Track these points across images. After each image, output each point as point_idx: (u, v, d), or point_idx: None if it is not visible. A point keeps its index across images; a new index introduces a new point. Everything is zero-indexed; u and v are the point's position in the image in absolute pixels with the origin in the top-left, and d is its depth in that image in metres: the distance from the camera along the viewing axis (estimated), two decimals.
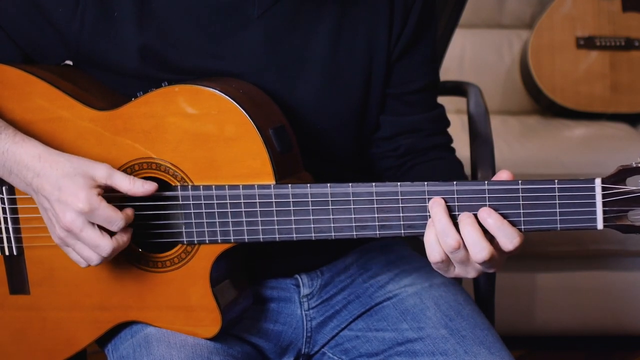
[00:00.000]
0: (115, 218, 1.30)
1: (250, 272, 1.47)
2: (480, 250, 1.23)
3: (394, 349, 1.48)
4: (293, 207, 1.30)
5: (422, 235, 1.27)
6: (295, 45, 1.41)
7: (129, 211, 1.33)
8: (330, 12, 1.42)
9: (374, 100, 1.47)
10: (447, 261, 1.26)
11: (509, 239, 1.24)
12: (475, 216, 1.24)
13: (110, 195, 1.32)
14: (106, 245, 1.31)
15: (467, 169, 1.96)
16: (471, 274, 1.28)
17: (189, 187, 1.33)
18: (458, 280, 1.80)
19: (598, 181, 1.20)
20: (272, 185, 1.30)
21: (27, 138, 1.35)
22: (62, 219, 1.30)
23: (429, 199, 1.25)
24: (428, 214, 1.26)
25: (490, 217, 1.24)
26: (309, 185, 1.29)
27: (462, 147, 2.56)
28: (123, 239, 1.32)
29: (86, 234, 1.30)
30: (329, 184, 1.28)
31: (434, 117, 1.53)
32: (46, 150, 1.33)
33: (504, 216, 1.24)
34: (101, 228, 1.31)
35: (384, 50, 1.44)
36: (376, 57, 1.44)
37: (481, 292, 1.94)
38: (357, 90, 1.45)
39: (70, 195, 1.29)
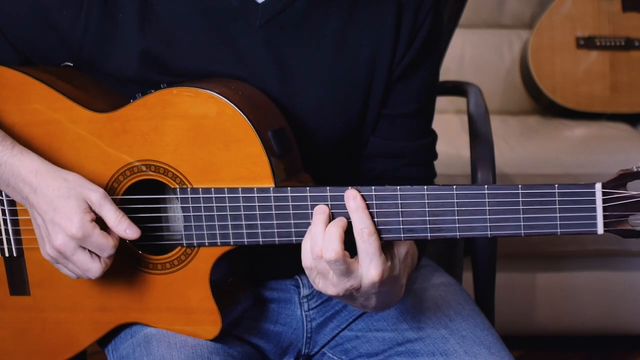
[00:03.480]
0: (107, 246, 1.30)
1: (250, 274, 1.47)
2: (329, 251, 1.24)
3: (394, 349, 1.48)
4: (292, 210, 1.30)
5: (423, 239, 1.27)
6: (296, 56, 1.40)
7: (116, 238, 1.33)
8: (334, 27, 1.41)
9: (369, 117, 1.46)
10: (314, 269, 1.28)
11: (362, 225, 1.25)
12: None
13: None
14: (96, 269, 1.32)
15: (467, 169, 1.96)
16: (330, 290, 1.28)
17: (188, 189, 1.33)
18: (458, 280, 1.80)
19: (598, 186, 1.20)
20: (271, 188, 1.30)
21: (26, 151, 1.34)
22: (54, 240, 1.30)
23: (429, 202, 1.25)
24: (427, 218, 1.26)
25: (352, 200, 1.26)
26: (308, 188, 1.29)
27: (462, 147, 2.57)
28: (110, 260, 1.33)
29: (77, 258, 1.31)
30: (328, 187, 1.28)
31: (418, 147, 1.51)
32: (44, 165, 1.33)
33: (504, 220, 1.24)
34: (91, 252, 1.31)
35: (385, 70, 1.44)
36: (377, 76, 1.44)
37: (481, 292, 1.94)
38: (355, 105, 1.44)
39: (64, 219, 1.29)
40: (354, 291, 1.28)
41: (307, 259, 1.28)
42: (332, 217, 1.28)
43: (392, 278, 1.29)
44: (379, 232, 1.27)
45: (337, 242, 1.24)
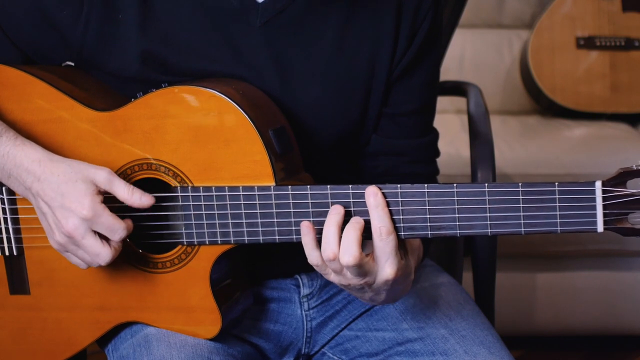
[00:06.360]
0: (118, 227, 1.30)
1: (250, 273, 1.47)
2: (347, 255, 1.24)
3: (394, 349, 1.49)
4: (293, 208, 1.30)
5: (423, 237, 1.28)
6: (296, 55, 1.41)
7: (129, 221, 1.33)
8: (333, 26, 1.41)
9: (371, 116, 1.46)
10: (323, 265, 1.28)
11: (380, 224, 1.25)
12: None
13: (110, 197, 1.32)
14: (106, 254, 1.31)
15: (467, 169, 1.96)
16: (343, 283, 1.28)
17: (189, 188, 1.33)
18: (458, 280, 1.80)
19: (598, 184, 1.20)
20: (272, 187, 1.30)
21: (28, 142, 1.35)
22: (65, 225, 1.30)
23: (429, 200, 1.26)
24: (428, 216, 1.26)
25: (373, 197, 1.25)
26: (309, 186, 1.29)
27: (462, 147, 2.57)
28: (120, 245, 1.33)
29: (87, 242, 1.30)
30: (328, 186, 1.28)
31: (420, 144, 1.52)
32: (46, 154, 1.33)
33: (504, 218, 1.24)
34: (101, 236, 1.31)
35: (385, 68, 1.44)
36: (377, 74, 1.44)
37: (481, 292, 1.94)
38: (355, 104, 1.44)
39: (74, 202, 1.29)
40: (366, 286, 1.28)
41: (313, 257, 1.28)
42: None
43: (405, 275, 1.29)
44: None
45: (356, 246, 1.24)
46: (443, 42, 2.19)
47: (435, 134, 1.55)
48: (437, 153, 1.56)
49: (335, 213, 1.27)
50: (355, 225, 1.26)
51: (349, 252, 1.24)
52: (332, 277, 1.29)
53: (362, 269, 1.25)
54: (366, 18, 1.43)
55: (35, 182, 1.32)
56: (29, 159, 1.33)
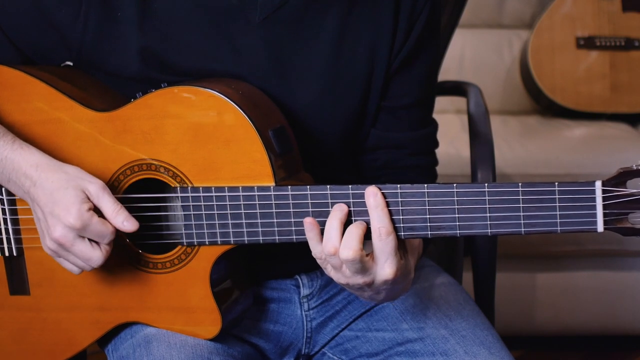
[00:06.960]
0: (106, 232, 1.30)
1: (250, 273, 1.47)
2: (347, 249, 1.24)
3: (394, 349, 1.49)
4: (293, 208, 1.30)
5: (424, 237, 1.28)
6: (295, 52, 1.41)
7: (116, 226, 1.32)
8: (333, 20, 1.41)
9: (370, 111, 1.46)
10: (324, 260, 1.28)
11: (380, 224, 1.25)
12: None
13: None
14: (97, 257, 1.31)
15: (467, 169, 1.96)
16: (342, 281, 1.29)
17: (189, 188, 1.33)
18: (458, 280, 1.80)
19: (598, 184, 1.20)
20: (271, 187, 1.30)
21: (26, 145, 1.35)
22: (53, 232, 1.30)
23: (429, 201, 1.26)
24: (428, 216, 1.26)
25: (372, 197, 1.26)
26: (308, 186, 1.29)
27: (462, 147, 2.58)
28: (110, 247, 1.33)
29: (77, 248, 1.30)
30: (328, 186, 1.28)
31: (420, 137, 1.52)
32: (44, 159, 1.33)
33: (504, 218, 1.24)
34: (91, 240, 1.31)
35: (384, 62, 1.44)
36: (376, 69, 1.44)
37: (481, 292, 1.94)
38: (355, 99, 1.44)
39: (63, 210, 1.29)
40: (365, 286, 1.28)
41: (316, 250, 1.28)
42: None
43: (404, 274, 1.29)
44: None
45: (357, 241, 1.24)
46: (443, 42, 2.19)
47: (434, 126, 1.55)
48: (436, 144, 1.56)
49: (338, 210, 1.27)
50: (359, 224, 1.26)
51: (349, 245, 1.24)
52: (332, 274, 1.29)
53: (360, 265, 1.25)
54: (365, 11, 1.43)
55: (32, 187, 1.32)
56: (27, 163, 1.33)
